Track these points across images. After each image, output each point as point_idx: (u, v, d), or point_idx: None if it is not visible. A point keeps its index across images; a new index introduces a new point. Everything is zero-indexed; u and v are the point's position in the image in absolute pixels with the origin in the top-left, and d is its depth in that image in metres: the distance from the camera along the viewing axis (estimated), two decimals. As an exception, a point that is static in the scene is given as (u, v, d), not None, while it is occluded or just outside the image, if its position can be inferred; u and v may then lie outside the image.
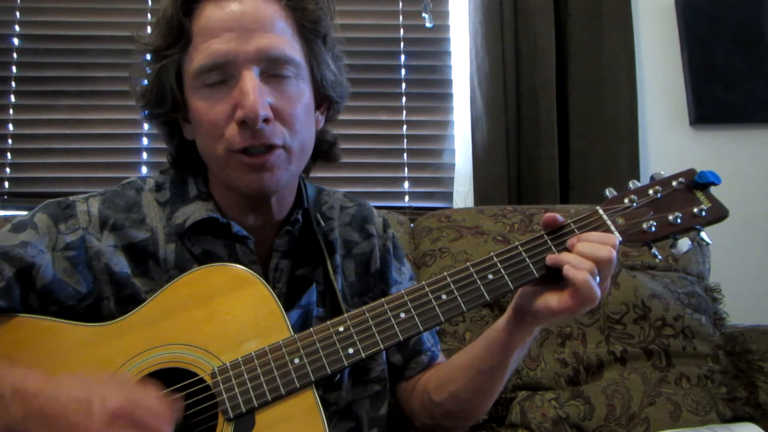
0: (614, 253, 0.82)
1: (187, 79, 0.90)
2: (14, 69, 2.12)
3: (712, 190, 0.91)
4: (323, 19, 0.94)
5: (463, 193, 2.09)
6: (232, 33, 0.86)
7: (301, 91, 0.91)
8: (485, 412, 1.06)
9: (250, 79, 0.85)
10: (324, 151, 1.05)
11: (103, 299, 0.91)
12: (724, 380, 1.46)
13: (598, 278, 0.82)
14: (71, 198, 0.95)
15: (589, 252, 0.82)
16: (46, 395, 0.72)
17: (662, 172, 0.92)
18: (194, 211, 0.94)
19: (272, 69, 0.88)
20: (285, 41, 0.89)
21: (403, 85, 2.20)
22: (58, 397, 0.72)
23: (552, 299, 0.84)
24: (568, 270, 0.81)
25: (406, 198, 2.16)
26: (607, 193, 0.91)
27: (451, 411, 1.02)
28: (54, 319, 0.86)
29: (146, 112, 0.97)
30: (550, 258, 0.85)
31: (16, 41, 2.14)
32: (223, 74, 0.87)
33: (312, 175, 1.10)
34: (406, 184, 2.17)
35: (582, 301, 0.81)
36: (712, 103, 2.11)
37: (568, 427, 1.40)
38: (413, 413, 1.09)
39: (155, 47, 0.91)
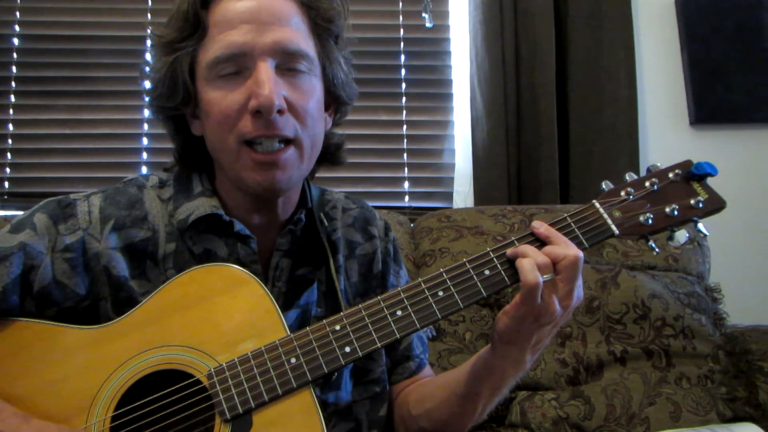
0: (575, 253, 0.81)
1: (200, 71, 0.90)
2: (14, 69, 2.13)
3: (709, 181, 0.90)
4: (337, 18, 0.95)
5: (463, 193, 2.09)
6: (249, 25, 0.86)
7: (314, 87, 0.92)
8: None
9: (266, 69, 0.85)
10: (330, 154, 1.05)
11: (100, 300, 0.90)
12: (724, 380, 1.46)
13: (549, 276, 0.80)
14: (72, 196, 0.95)
15: (548, 250, 0.82)
16: None
17: (659, 164, 0.91)
18: (198, 207, 0.94)
19: (287, 63, 0.88)
20: (300, 36, 0.90)
21: (403, 85, 2.20)
22: None
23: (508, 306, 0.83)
24: (518, 261, 0.81)
25: (406, 198, 2.17)
26: (604, 186, 0.90)
27: (425, 429, 1.01)
28: (49, 322, 0.85)
29: (155, 106, 0.97)
30: (510, 251, 0.85)
31: (16, 41, 2.14)
32: (239, 66, 0.87)
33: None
34: (406, 184, 2.17)
35: (524, 292, 0.79)
36: (712, 103, 2.11)
37: (568, 427, 1.40)
38: (394, 423, 1.07)
39: (170, 40, 0.91)
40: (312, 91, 0.91)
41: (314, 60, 0.92)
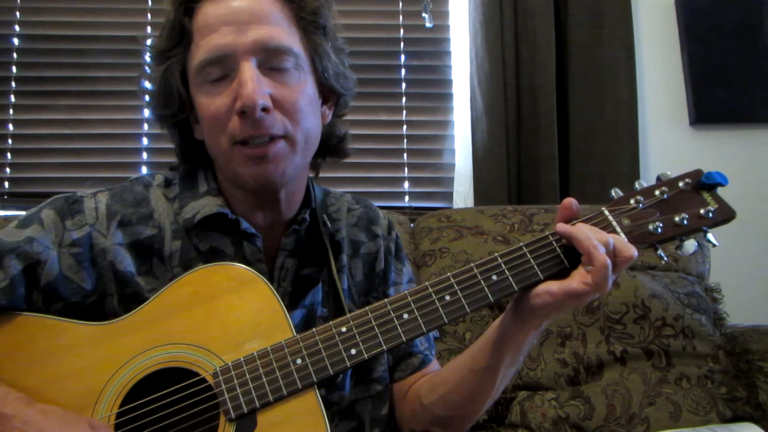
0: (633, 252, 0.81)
1: (190, 77, 0.92)
2: (14, 69, 2.13)
3: (719, 191, 0.89)
4: (321, 9, 0.95)
5: (463, 193, 2.09)
6: (230, 27, 0.87)
7: (302, 82, 0.92)
8: (474, 421, 1.02)
9: (248, 69, 0.86)
10: (332, 146, 1.05)
11: (107, 296, 0.91)
12: (724, 380, 1.46)
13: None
14: (79, 193, 0.96)
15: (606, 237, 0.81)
16: (21, 420, 0.73)
17: (669, 173, 0.90)
18: (204, 206, 0.94)
19: (271, 60, 0.89)
20: (282, 32, 0.90)
21: (403, 85, 2.20)
22: (30, 428, 0.73)
23: (553, 284, 0.82)
24: (589, 246, 0.78)
25: (406, 198, 2.17)
26: (613, 194, 0.90)
27: (440, 416, 1.00)
28: (56, 317, 0.86)
29: (156, 114, 0.98)
30: (564, 229, 0.82)
31: (16, 41, 2.14)
32: (224, 68, 0.88)
33: (308, 174, 1.10)
34: (406, 184, 2.17)
35: (595, 281, 0.78)
36: (712, 103, 2.11)
37: (568, 427, 1.40)
38: (402, 420, 1.07)
39: (160, 49, 0.93)
40: (300, 87, 0.91)
41: (300, 54, 0.92)
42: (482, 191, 2.00)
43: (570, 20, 2.07)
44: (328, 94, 1.00)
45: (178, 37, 0.91)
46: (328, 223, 1.04)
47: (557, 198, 1.97)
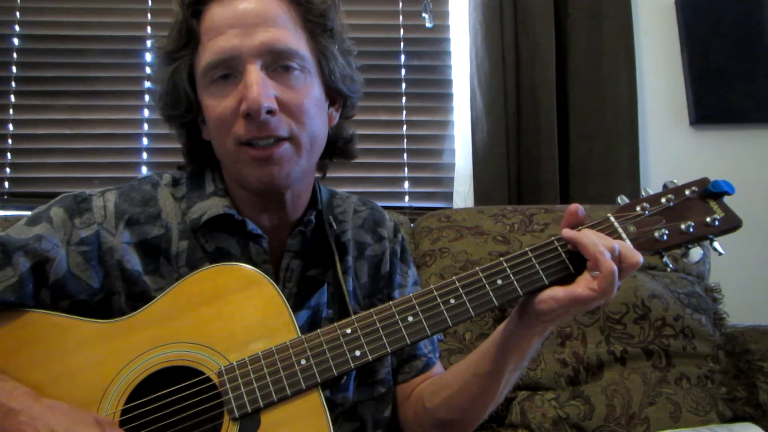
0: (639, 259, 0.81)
1: (197, 78, 0.93)
2: (14, 69, 2.13)
3: (726, 199, 0.89)
4: (329, 12, 0.95)
5: (463, 193, 2.09)
6: (236, 29, 0.88)
7: (308, 84, 0.92)
8: (477, 424, 1.02)
9: (254, 72, 0.86)
10: (340, 147, 1.06)
11: (114, 294, 0.92)
12: (724, 380, 1.47)
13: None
14: (87, 192, 0.96)
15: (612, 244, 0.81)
16: (28, 416, 0.74)
17: (675, 181, 0.90)
18: (211, 207, 0.95)
19: (277, 62, 0.89)
20: (288, 34, 0.90)
21: (403, 85, 2.20)
22: (38, 422, 0.73)
23: (558, 290, 0.82)
24: (595, 252, 0.79)
25: (406, 198, 2.17)
26: (619, 201, 0.90)
27: (442, 419, 1.00)
28: (63, 314, 0.86)
29: (164, 115, 0.99)
30: (570, 235, 0.83)
31: (16, 41, 2.14)
32: (230, 70, 0.88)
33: (314, 175, 1.10)
34: (406, 184, 2.17)
35: (601, 287, 0.78)
36: (712, 103, 2.11)
37: (568, 427, 1.40)
38: (405, 422, 1.08)
39: (168, 51, 0.94)
40: (306, 89, 0.91)
41: (306, 57, 0.92)
42: (482, 191, 2.00)
43: (570, 20, 2.07)
44: (335, 96, 1.00)
45: (186, 38, 0.92)
46: (333, 224, 1.04)
47: (557, 198, 1.97)
